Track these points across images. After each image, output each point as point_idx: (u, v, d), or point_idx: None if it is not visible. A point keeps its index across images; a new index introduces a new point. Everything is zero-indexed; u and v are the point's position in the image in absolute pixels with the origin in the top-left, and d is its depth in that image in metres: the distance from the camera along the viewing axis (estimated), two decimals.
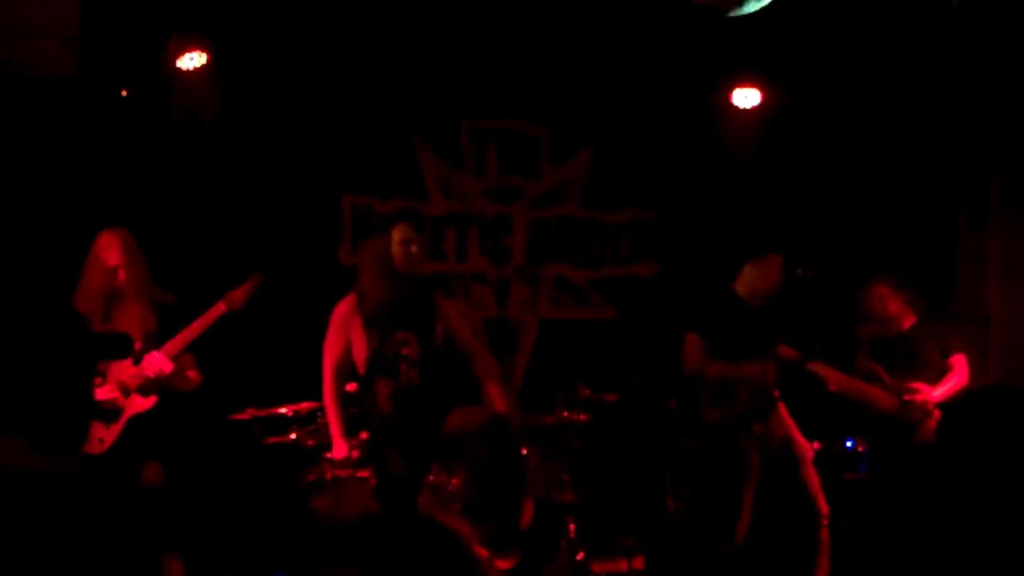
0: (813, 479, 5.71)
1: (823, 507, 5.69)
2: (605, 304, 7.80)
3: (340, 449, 5.17)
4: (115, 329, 5.03)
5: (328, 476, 5.48)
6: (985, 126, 7.61)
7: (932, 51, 7.03)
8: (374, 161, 7.15)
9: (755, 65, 7.32)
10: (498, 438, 4.36)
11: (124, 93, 6.41)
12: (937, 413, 5.88)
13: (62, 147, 6.20)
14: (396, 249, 5.10)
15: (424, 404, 5.04)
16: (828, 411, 6.31)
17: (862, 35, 6.80)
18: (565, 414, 6.20)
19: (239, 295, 5.16)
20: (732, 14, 4.67)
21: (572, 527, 6.06)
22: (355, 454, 5.33)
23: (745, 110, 7.50)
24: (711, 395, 5.67)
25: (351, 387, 5.30)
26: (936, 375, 5.93)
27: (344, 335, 5.14)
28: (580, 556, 6.05)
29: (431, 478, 4.37)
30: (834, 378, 5.87)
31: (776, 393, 5.69)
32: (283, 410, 5.77)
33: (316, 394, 5.36)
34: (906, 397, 5.85)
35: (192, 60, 6.36)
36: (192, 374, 5.20)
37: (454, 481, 4.27)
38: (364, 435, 5.34)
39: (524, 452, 6.18)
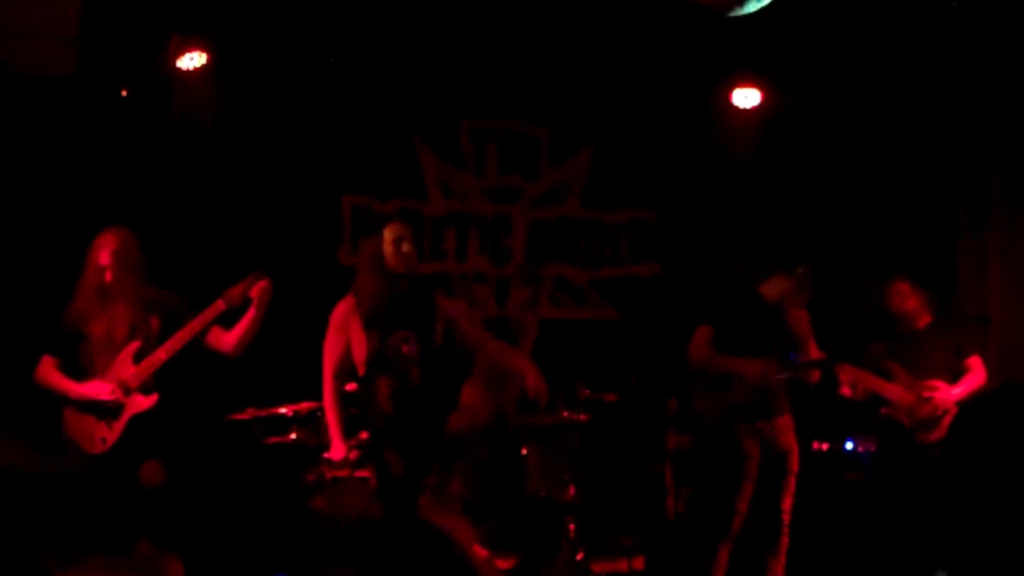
0: (790, 490, 5.66)
1: (786, 517, 5.65)
2: (605, 304, 7.80)
3: (338, 450, 5.16)
4: (104, 327, 5.03)
5: (328, 476, 5.48)
6: (985, 126, 7.60)
7: (932, 51, 7.02)
8: (374, 161, 7.16)
9: (755, 65, 7.31)
10: (498, 438, 4.36)
11: (124, 93, 6.42)
12: (955, 409, 5.89)
13: (62, 147, 6.20)
14: (388, 248, 5.09)
15: (424, 404, 5.03)
16: (836, 412, 6.32)
17: (862, 35, 6.79)
18: (565, 414, 6.21)
19: (237, 292, 5.15)
20: (732, 14, 4.68)
21: (572, 527, 6.06)
22: (353, 455, 5.33)
23: (745, 110, 7.49)
24: (707, 385, 5.65)
25: (351, 387, 5.30)
26: (946, 376, 5.92)
27: (344, 335, 5.13)
28: (580, 556, 6.06)
29: (431, 479, 4.37)
30: (858, 378, 5.85)
31: (785, 403, 5.65)
32: (283, 410, 5.78)
33: (316, 394, 5.35)
34: (924, 394, 5.84)
35: (192, 60, 6.37)
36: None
37: (454, 481, 4.27)
38: (364, 435, 5.34)
39: (524, 452, 6.21)
